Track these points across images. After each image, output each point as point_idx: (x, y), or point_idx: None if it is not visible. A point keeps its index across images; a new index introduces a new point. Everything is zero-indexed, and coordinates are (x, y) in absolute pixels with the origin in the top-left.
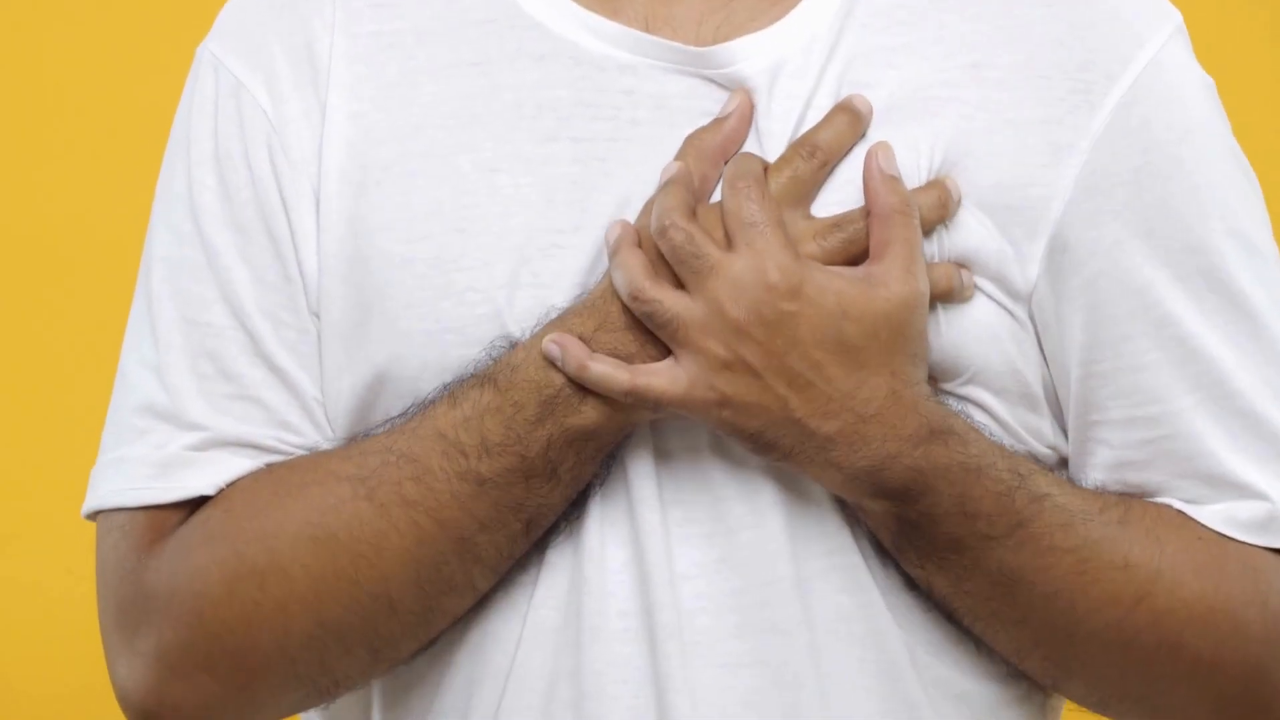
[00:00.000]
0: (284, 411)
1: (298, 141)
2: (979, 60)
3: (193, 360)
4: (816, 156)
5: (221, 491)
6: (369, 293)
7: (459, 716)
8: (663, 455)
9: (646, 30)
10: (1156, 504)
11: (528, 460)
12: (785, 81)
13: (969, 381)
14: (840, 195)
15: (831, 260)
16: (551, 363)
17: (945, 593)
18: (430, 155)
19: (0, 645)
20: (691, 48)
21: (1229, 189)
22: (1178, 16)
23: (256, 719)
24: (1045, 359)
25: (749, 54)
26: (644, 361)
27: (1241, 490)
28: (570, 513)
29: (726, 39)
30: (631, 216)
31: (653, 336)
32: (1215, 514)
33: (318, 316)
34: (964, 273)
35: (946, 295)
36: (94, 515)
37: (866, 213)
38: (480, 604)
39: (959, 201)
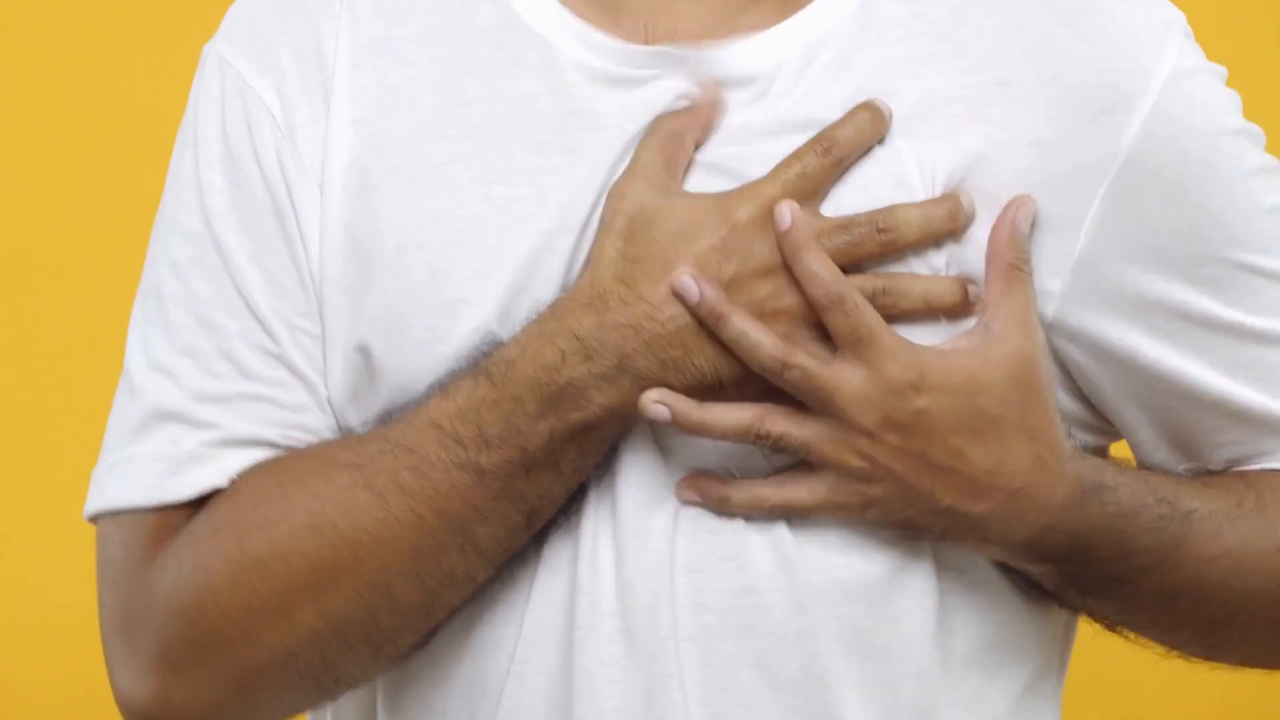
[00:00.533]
0: (300, 411)
1: (306, 146)
2: (1003, 78)
3: (209, 361)
4: (832, 153)
5: (232, 482)
6: (364, 303)
7: (463, 717)
8: (664, 451)
9: (647, 41)
10: (1274, 475)
11: (529, 453)
12: (783, 84)
13: None
14: (849, 201)
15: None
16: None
17: (1106, 614)
18: (429, 164)
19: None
20: (688, 50)
21: (1256, 173)
22: (1181, 17)
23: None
24: (1071, 371)
25: (745, 55)
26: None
27: None
28: (569, 507)
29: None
30: None
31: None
32: None
33: (322, 320)
34: (972, 287)
35: (953, 311)
36: (98, 516)
37: (877, 223)
38: (479, 605)
39: (972, 217)
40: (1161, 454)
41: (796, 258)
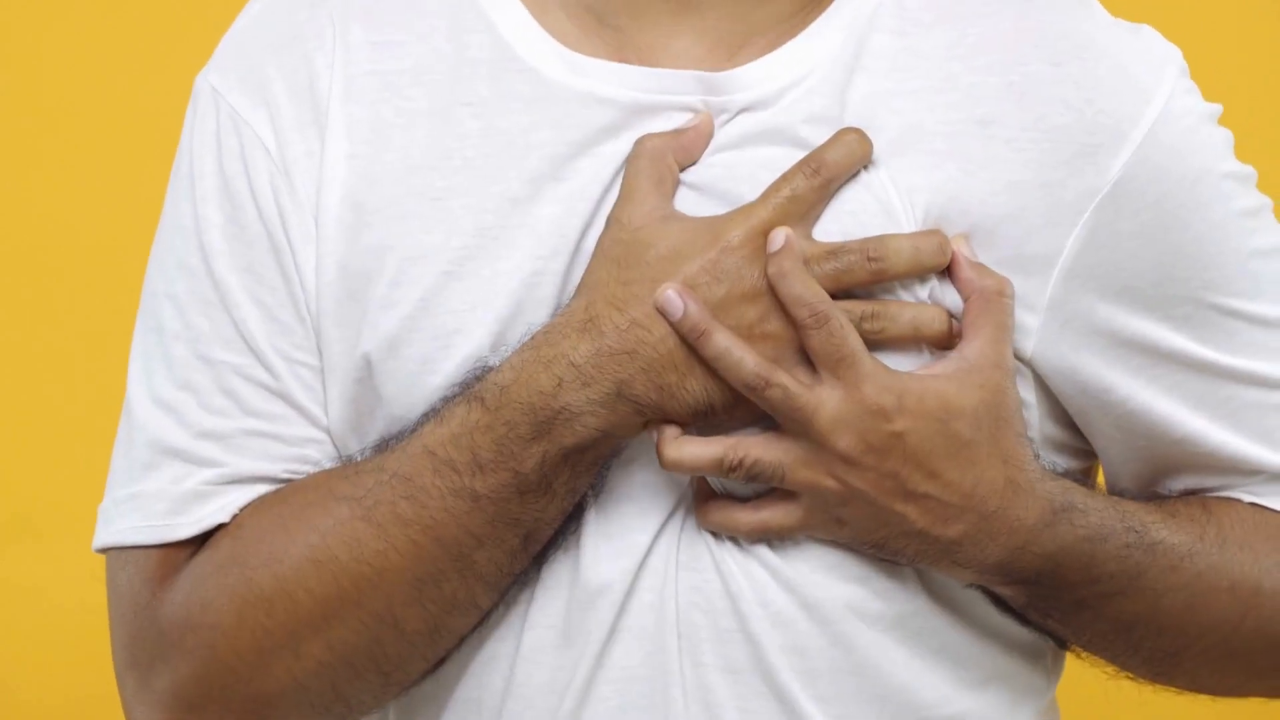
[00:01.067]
0: (301, 445)
1: (301, 180)
2: (986, 117)
3: (209, 397)
4: (820, 174)
5: (234, 517)
6: (361, 336)
7: None
8: (659, 469)
9: (646, 62)
10: (1237, 506)
11: (521, 476)
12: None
13: None
14: (839, 225)
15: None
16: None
17: (1063, 636)
18: (423, 198)
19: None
20: (691, 72)
21: (1239, 217)
22: (1178, 56)
23: None
24: (1051, 395)
25: (749, 83)
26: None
27: None
28: (567, 527)
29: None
30: None
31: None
32: None
33: (320, 355)
34: (955, 323)
35: (938, 340)
36: (105, 550)
37: (868, 252)
38: (479, 625)
39: (949, 255)
40: (1126, 481)
41: (781, 279)
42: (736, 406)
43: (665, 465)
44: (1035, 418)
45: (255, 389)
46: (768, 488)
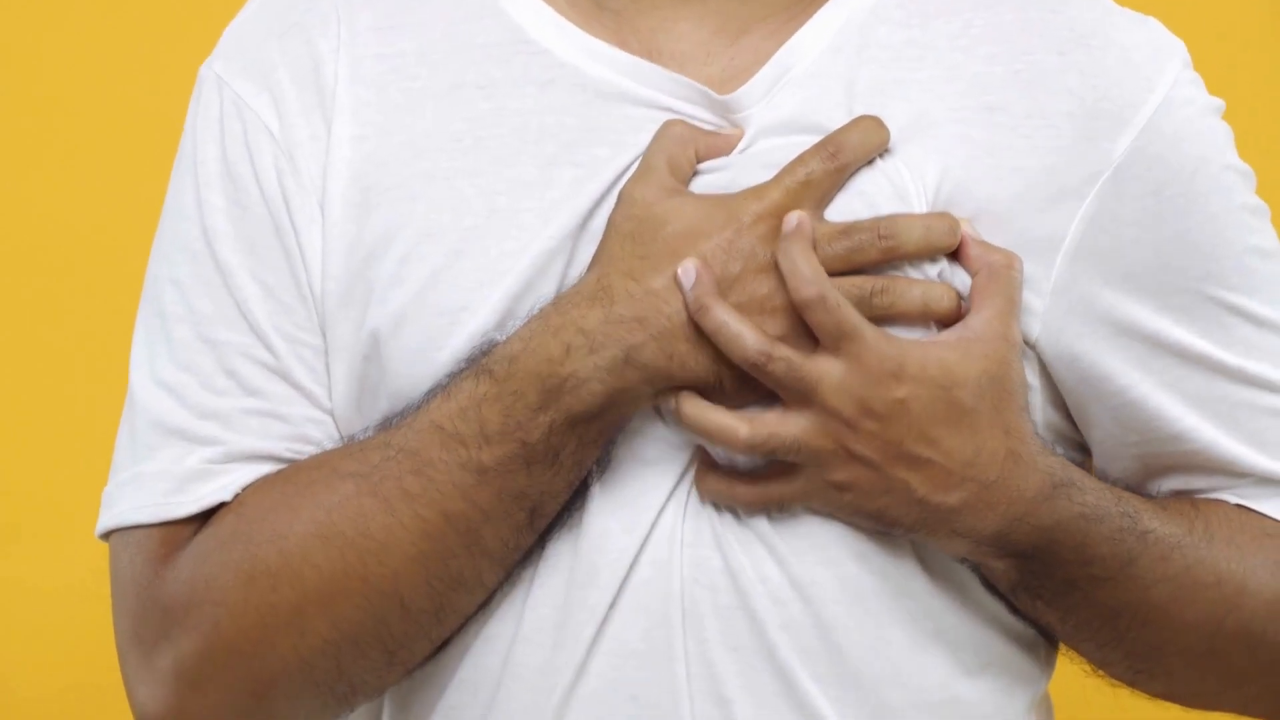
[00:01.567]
0: (302, 425)
1: (306, 164)
2: (993, 103)
3: (211, 378)
4: (838, 158)
5: (237, 496)
6: (368, 313)
7: (463, 713)
8: (664, 443)
9: (649, 57)
10: (1223, 505)
11: (529, 446)
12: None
13: None
14: (851, 207)
15: (831, 268)
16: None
17: (1050, 621)
18: (432, 178)
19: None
20: (710, 91)
21: (1239, 212)
22: (1182, 49)
23: None
24: (1053, 383)
25: (757, 101)
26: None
27: None
28: (572, 504)
29: (739, 72)
30: None
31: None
32: (1272, 507)
33: (324, 335)
34: (963, 301)
35: (947, 317)
36: (109, 534)
37: (880, 230)
38: (481, 605)
39: (959, 237)
40: (1116, 478)
41: (782, 256)
42: (745, 384)
43: (683, 419)
44: (1039, 401)
45: (257, 368)
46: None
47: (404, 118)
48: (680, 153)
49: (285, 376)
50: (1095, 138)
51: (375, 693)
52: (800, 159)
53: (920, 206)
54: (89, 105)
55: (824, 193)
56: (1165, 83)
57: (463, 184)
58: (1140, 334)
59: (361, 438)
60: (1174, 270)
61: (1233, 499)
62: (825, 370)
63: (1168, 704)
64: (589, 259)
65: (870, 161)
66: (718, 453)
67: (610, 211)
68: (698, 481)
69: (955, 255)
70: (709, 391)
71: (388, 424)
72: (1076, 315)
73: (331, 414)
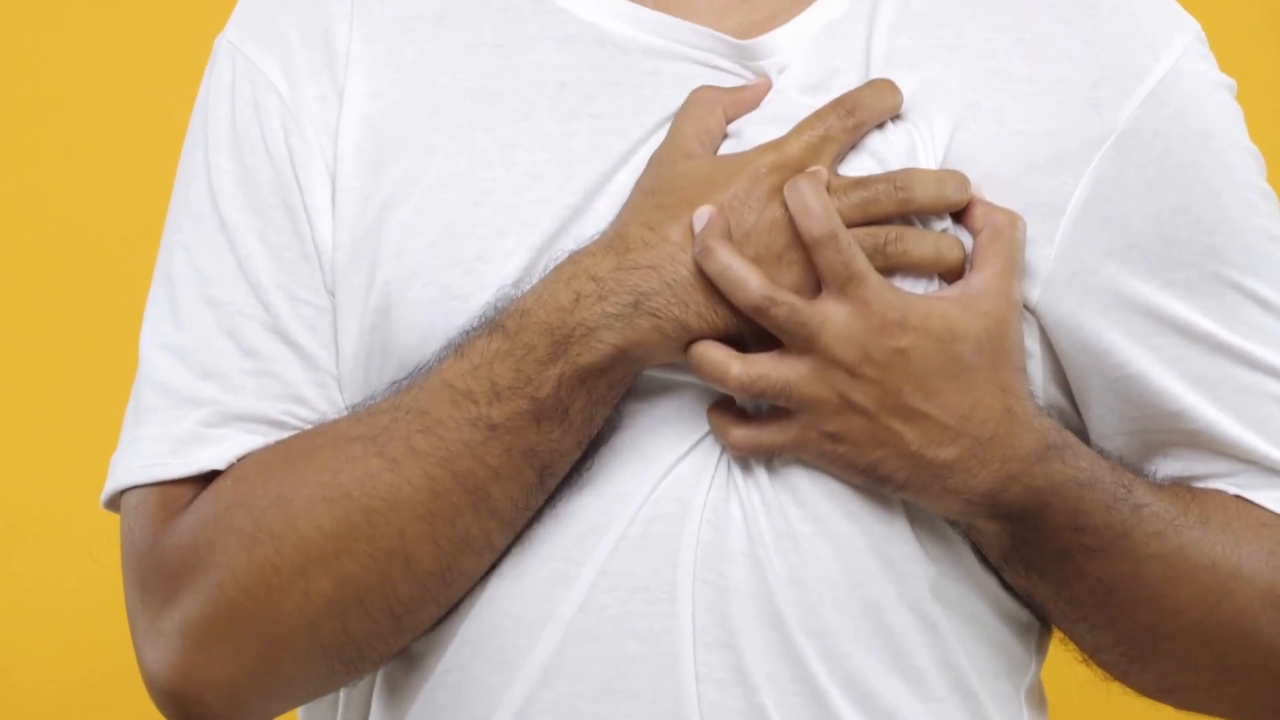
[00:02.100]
0: (299, 386)
1: (313, 124)
2: (996, 70)
3: (211, 338)
4: (854, 115)
5: (232, 464)
6: (381, 265)
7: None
8: (673, 394)
9: (664, 12)
10: (1220, 494)
11: (538, 402)
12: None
13: None
14: (864, 164)
15: (847, 218)
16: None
17: (1043, 598)
18: (449, 130)
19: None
20: (726, 36)
21: (1246, 190)
22: (1196, 25)
23: (285, 696)
24: (1053, 354)
25: (784, 48)
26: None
27: None
28: (581, 464)
29: (754, 27)
30: None
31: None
32: (1270, 499)
33: (333, 295)
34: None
35: (956, 267)
36: (114, 500)
37: (895, 181)
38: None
39: (970, 194)
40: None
41: (793, 194)
42: (766, 336)
43: (689, 357)
44: (1039, 373)
45: (256, 328)
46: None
47: (421, 73)
48: (707, 117)
49: (285, 337)
50: (1099, 105)
51: (383, 658)
52: (818, 114)
53: (931, 166)
54: (89, 104)
55: (839, 149)
56: (1173, 53)
57: (480, 136)
58: (1142, 308)
59: (367, 402)
60: (1176, 243)
61: (1230, 489)
62: (828, 315)
63: (1161, 705)
64: (604, 214)
65: (881, 125)
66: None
67: (636, 176)
68: (708, 414)
69: (958, 216)
70: (730, 344)
71: (396, 388)
72: (1078, 284)
73: (335, 377)
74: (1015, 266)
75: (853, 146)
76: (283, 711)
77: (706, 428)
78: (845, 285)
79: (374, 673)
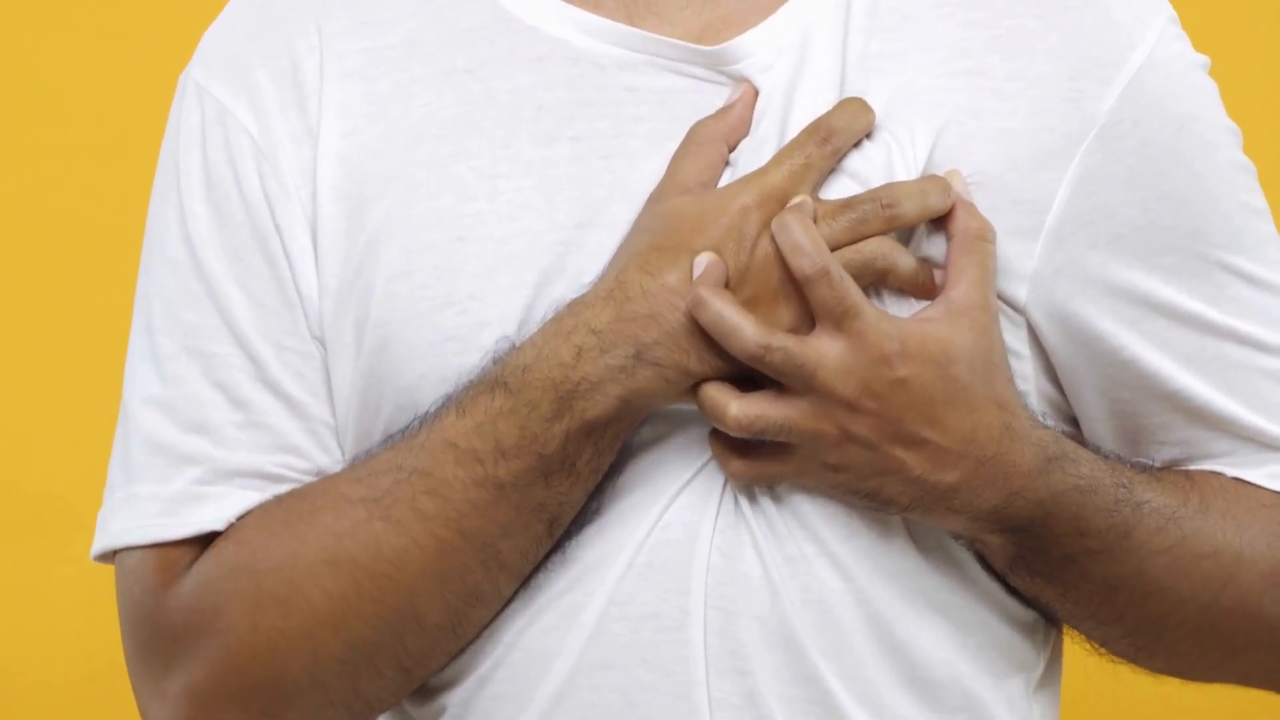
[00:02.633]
0: (291, 436)
1: (289, 165)
2: (973, 68)
3: (197, 391)
4: (831, 142)
5: (232, 525)
6: (372, 308)
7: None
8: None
9: (629, 22)
10: (1219, 478)
11: (545, 458)
12: (802, 84)
13: None
14: (845, 187)
15: (837, 242)
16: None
17: (1049, 600)
18: (430, 165)
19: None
20: (697, 45)
21: (1227, 167)
22: (1168, 6)
23: None
24: (1043, 351)
25: (754, 51)
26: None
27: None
28: (588, 506)
29: (720, 33)
30: (636, 213)
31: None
32: (1266, 475)
33: (321, 340)
34: (938, 272)
35: (929, 289)
36: (105, 556)
37: (881, 199)
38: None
39: (953, 198)
40: (1109, 446)
41: (781, 230)
42: (765, 382)
43: (697, 399)
44: (1030, 371)
45: (243, 379)
46: None
47: (395, 107)
48: (709, 153)
49: (273, 386)
50: (1079, 98)
51: (392, 705)
52: (796, 143)
53: (906, 171)
54: (90, 104)
55: (820, 175)
56: (1149, 40)
57: (461, 168)
58: (1131, 294)
59: (364, 459)
60: (1162, 229)
61: (1229, 471)
62: (824, 352)
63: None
64: (599, 248)
65: (857, 143)
66: None
67: (631, 207)
68: (710, 443)
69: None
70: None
71: (391, 441)
72: (1067, 276)
73: (327, 424)
74: (989, 276)
75: (831, 170)
76: None
77: (708, 454)
78: (840, 320)
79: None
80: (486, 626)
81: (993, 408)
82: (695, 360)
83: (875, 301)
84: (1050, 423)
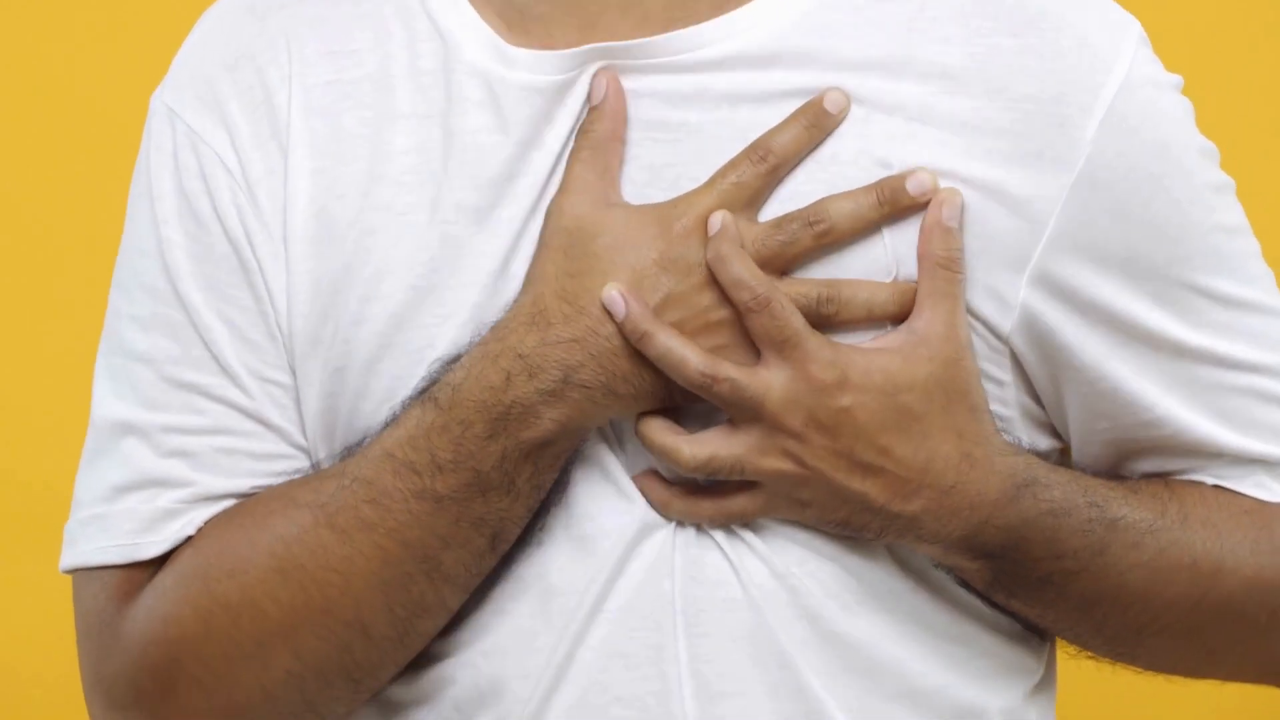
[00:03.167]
0: (275, 462)
1: (266, 199)
2: (948, 89)
3: (177, 418)
4: (767, 161)
5: (198, 529)
6: (333, 351)
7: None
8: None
9: (572, 46)
10: (1199, 486)
11: (483, 475)
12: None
13: None
14: (786, 207)
15: (768, 264)
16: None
17: (1029, 617)
18: (388, 211)
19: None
20: (644, 41)
21: (1203, 190)
22: (1136, 25)
23: None
24: (1027, 371)
25: (704, 42)
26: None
27: (1260, 461)
28: (534, 523)
29: (677, 19)
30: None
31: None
32: (1249, 485)
33: (293, 373)
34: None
35: (892, 318)
36: (72, 572)
37: (808, 218)
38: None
39: (914, 197)
40: (1087, 460)
41: (719, 264)
42: (695, 395)
43: (638, 434)
44: (1012, 396)
45: (226, 409)
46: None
47: (359, 147)
48: (604, 154)
49: (256, 416)
50: (1064, 125)
51: (343, 717)
52: (731, 164)
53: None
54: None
55: (756, 196)
56: (1123, 64)
57: (417, 216)
58: (1115, 320)
59: (324, 466)
60: (1144, 256)
61: (1209, 479)
62: (770, 383)
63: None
64: (522, 271)
65: (823, 152)
66: (662, 468)
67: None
68: (662, 507)
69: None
70: (660, 404)
71: (347, 453)
72: (1053, 304)
73: (306, 451)
74: (957, 305)
75: (774, 188)
76: None
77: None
78: (781, 348)
79: None
80: (456, 650)
81: (950, 437)
82: (620, 381)
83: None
84: (1042, 446)
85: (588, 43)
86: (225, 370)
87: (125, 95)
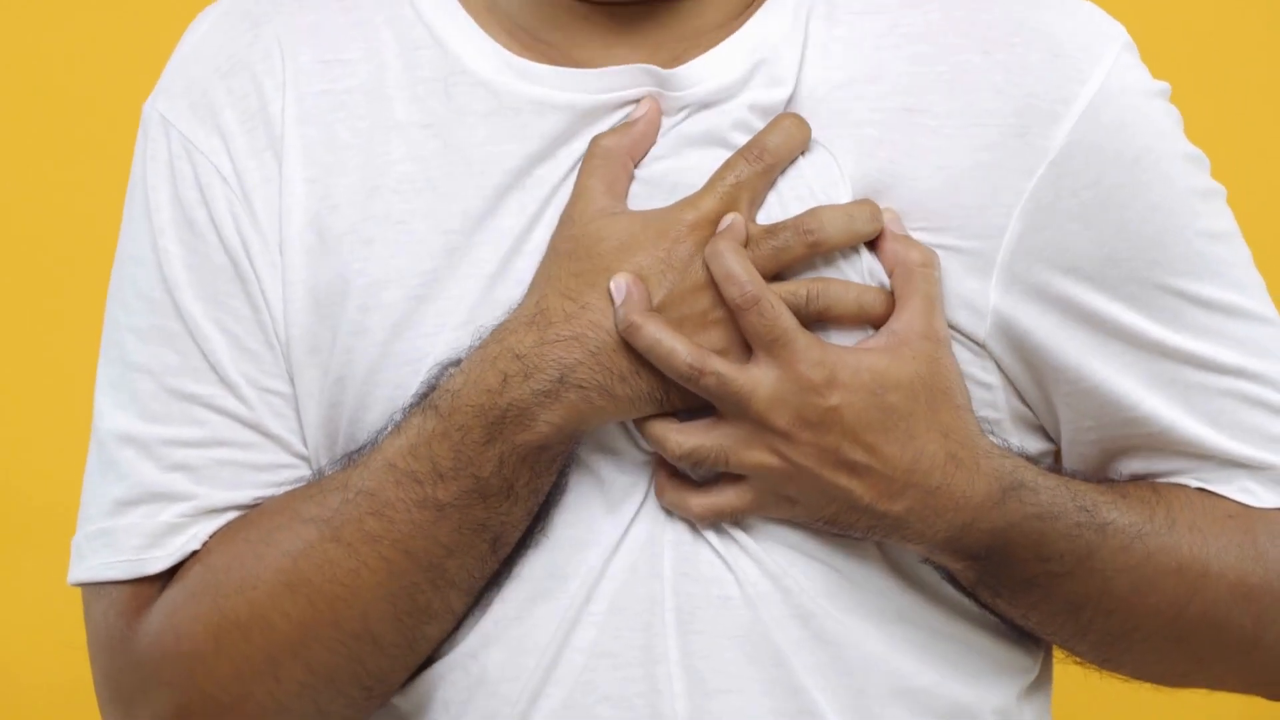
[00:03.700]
0: (275, 472)
1: (263, 208)
2: (914, 105)
3: (178, 430)
4: (763, 160)
5: (203, 545)
6: (333, 360)
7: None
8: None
9: (574, 64)
10: (1185, 490)
11: (482, 481)
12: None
13: None
14: (793, 210)
15: (763, 269)
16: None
17: (1015, 618)
18: (386, 220)
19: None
20: (651, 67)
21: (1185, 196)
22: (1122, 33)
23: None
24: (1009, 376)
25: (699, 78)
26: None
27: (1245, 465)
28: (534, 525)
29: (675, 58)
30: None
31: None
32: (1235, 490)
33: (292, 382)
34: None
35: (880, 319)
36: (79, 585)
37: (800, 225)
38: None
39: (882, 222)
40: (1077, 461)
41: (713, 259)
42: (692, 395)
43: (644, 433)
44: (1000, 398)
45: (226, 420)
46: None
47: (354, 157)
48: (613, 166)
49: (256, 426)
50: (1027, 134)
51: None
52: (728, 164)
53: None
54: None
55: (755, 196)
56: (1100, 71)
57: (418, 225)
58: (1092, 320)
59: (321, 477)
60: (1120, 260)
61: (1194, 483)
62: (758, 380)
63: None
64: (525, 276)
65: (796, 163)
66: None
67: (550, 233)
68: (657, 493)
69: (874, 249)
70: (657, 405)
71: (348, 461)
72: (1025, 308)
73: (307, 459)
74: (934, 304)
75: (769, 188)
76: None
77: (650, 477)
78: (771, 347)
79: None
80: (454, 653)
81: (936, 436)
82: (617, 380)
83: (828, 331)
84: (1033, 448)
85: (606, 65)
86: (224, 380)
87: (125, 96)
